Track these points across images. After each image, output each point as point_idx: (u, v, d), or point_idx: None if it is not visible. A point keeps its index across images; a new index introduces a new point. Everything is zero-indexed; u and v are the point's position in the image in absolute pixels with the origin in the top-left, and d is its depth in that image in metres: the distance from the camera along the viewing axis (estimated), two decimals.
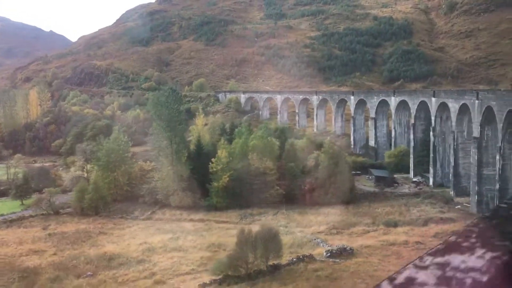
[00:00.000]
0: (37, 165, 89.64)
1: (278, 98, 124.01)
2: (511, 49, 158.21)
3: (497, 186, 50.34)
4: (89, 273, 34.77)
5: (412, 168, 78.45)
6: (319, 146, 72.04)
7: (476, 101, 56.25)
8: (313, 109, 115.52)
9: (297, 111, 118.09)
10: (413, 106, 78.09)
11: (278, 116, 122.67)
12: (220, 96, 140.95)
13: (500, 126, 49.03)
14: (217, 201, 63.38)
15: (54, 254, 42.28)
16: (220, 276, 29.88)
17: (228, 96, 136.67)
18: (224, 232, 47.83)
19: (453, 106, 64.48)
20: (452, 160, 65.38)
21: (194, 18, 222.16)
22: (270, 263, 30.04)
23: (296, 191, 65.49)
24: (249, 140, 68.02)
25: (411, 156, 79.00)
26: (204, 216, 58.93)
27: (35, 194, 70.12)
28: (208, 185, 64.53)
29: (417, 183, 73.68)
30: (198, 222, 56.11)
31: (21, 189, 69.94)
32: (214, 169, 63.23)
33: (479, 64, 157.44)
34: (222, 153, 63.51)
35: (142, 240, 44.89)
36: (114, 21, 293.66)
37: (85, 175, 73.78)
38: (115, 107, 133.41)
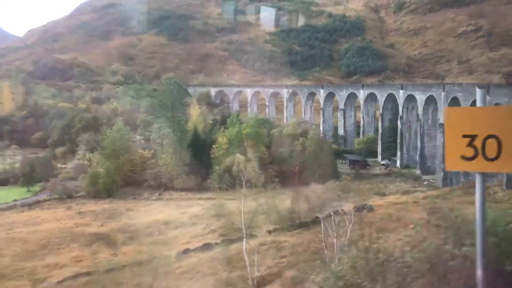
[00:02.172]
0: (31, 155, 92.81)
1: (249, 92, 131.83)
2: (454, 46, 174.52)
3: None
4: (156, 232, 41.35)
5: (380, 152, 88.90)
6: (303, 133, 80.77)
7: (443, 93, 66.89)
8: (282, 101, 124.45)
9: (267, 104, 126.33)
10: (381, 98, 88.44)
11: (248, 109, 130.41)
12: (190, 90, 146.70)
13: None
14: (218, 183, 70.69)
15: (102, 225, 48.28)
16: (280, 226, 38.19)
17: (198, 90, 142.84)
18: (239, 204, 55.42)
19: (420, 98, 75.10)
20: (418, 144, 76.09)
21: (152, 12, 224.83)
22: (315, 216, 38.36)
23: (286, 173, 73.88)
24: (242, 129, 75.61)
25: (379, 142, 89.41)
26: (211, 195, 66.01)
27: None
28: (210, 169, 71.81)
29: (386, 165, 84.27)
30: (207, 200, 63.07)
31: (28, 177, 74.11)
32: (216, 154, 70.46)
33: (426, 60, 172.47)
34: (223, 139, 70.85)
35: (174, 212, 51.73)
36: (63, 14, 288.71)
37: (87, 163, 78.63)
38: (87, 101, 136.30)
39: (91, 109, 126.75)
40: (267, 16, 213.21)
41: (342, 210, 42.80)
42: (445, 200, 45.36)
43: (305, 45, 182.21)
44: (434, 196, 49.30)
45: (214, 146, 71.58)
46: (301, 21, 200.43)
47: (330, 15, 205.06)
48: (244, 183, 30.73)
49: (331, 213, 42.77)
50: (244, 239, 25.88)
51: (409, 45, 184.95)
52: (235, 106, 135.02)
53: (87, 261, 35.03)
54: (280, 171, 74.38)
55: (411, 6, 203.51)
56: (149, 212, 54.86)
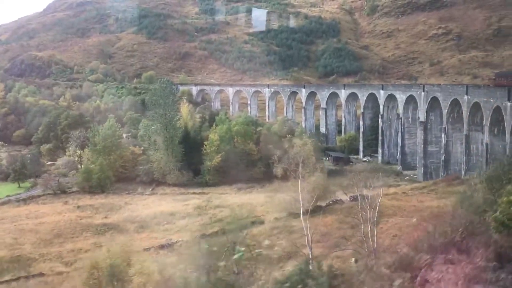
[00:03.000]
0: (14, 153, 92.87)
1: (230, 91, 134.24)
2: (426, 48, 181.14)
3: (442, 158, 65.27)
4: (165, 222, 43.47)
5: (362, 150, 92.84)
6: (290, 131, 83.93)
7: (423, 93, 71.05)
8: (263, 100, 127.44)
9: (249, 102, 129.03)
10: (363, 97, 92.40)
11: (230, 107, 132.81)
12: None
13: (445, 111, 63.74)
14: (209, 178, 73.15)
15: (105, 217, 50.07)
16: (284, 214, 41.12)
17: (180, 88, 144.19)
18: (237, 197, 58.14)
19: (400, 97, 79.24)
20: (399, 141, 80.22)
21: (130, 10, 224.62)
22: (317, 204, 41.44)
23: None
24: (232, 126, 78.19)
25: (361, 140, 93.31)
26: (203, 190, 68.44)
27: None
28: (200, 165, 74.09)
29: (368, 162, 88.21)
30: (201, 194, 65.45)
31: (19, 173, 74.78)
32: (208, 150, 72.80)
33: (400, 61, 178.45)
34: (214, 136, 73.25)
35: (176, 204, 53.93)
36: (34, 10, 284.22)
37: (77, 159, 79.75)
38: (68, 99, 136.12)
39: (72, 106, 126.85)
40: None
41: (340, 199, 46.24)
42: (432, 191, 49.09)
43: (283, 45, 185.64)
44: (420, 188, 53.07)
45: (205, 142, 73.81)
46: (278, 22, 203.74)
47: (306, 17, 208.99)
48: (300, 165, 33.21)
49: (330, 201, 46.28)
50: (301, 209, 28.46)
51: (383, 47, 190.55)
52: (216, 105, 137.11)
53: (107, 247, 36.93)
54: (269, 166, 77.33)
55: (384, 9, 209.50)
56: (148, 205, 56.90)
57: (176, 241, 34.47)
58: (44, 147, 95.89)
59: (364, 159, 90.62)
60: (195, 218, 45.32)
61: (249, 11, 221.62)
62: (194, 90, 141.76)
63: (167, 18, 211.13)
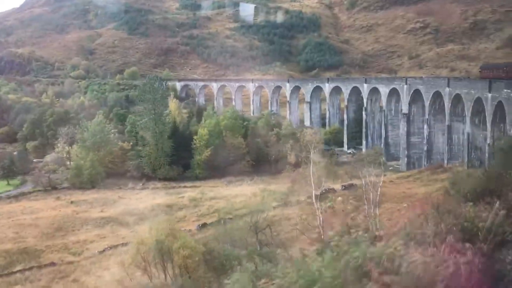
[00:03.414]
0: (0, 150, 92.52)
1: (214, 86, 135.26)
2: (405, 42, 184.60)
3: (425, 148, 67.76)
4: (163, 214, 44.68)
5: (346, 142, 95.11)
6: (276, 125, 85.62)
7: (405, 86, 73.44)
8: (248, 95, 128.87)
9: (233, 97, 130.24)
10: (346, 91, 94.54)
11: (215, 102, 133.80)
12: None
13: (427, 103, 66.18)
14: (199, 172, 74.46)
15: (102, 211, 50.98)
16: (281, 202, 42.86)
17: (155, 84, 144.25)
18: (229, 189, 59.60)
19: (384, 90, 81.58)
20: (383, 132, 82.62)
21: (109, 6, 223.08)
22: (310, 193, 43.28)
23: (263, 162, 78.49)
24: (220, 120, 79.52)
25: (345, 132, 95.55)
26: (194, 184, 69.63)
27: None
28: (189, 160, 75.33)
29: (353, 154, 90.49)
30: (193, 188, 66.65)
31: (8, 170, 74.87)
32: (198, 145, 74.02)
33: (379, 55, 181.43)
34: (203, 131, 74.47)
35: (170, 197, 55.12)
36: (11, 6, 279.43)
37: (66, 156, 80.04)
38: (50, 95, 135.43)
39: (56, 103, 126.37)
40: (226, 11, 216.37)
41: (333, 188, 48.12)
42: (417, 179, 51.35)
43: (265, 40, 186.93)
44: (405, 176, 55.33)
45: (195, 137, 74.99)
46: (260, 17, 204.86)
47: (287, 11, 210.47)
48: (312, 151, 35.06)
49: (323, 190, 48.17)
50: (313, 191, 30.00)
51: (363, 41, 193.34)
52: (201, 100, 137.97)
53: (111, 237, 38.20)
54: (257, 160, 78.99)
55: (363, 3, 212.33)
56: (142, 199, 57.90)
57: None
58: (30, 144, 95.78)
59: (349, 151, 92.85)
60: (193, 209, 46.72)
61: (230, 6, 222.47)
62: (178, 85, 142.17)
63: (148, 14, 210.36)
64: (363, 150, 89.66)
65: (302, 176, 47.30)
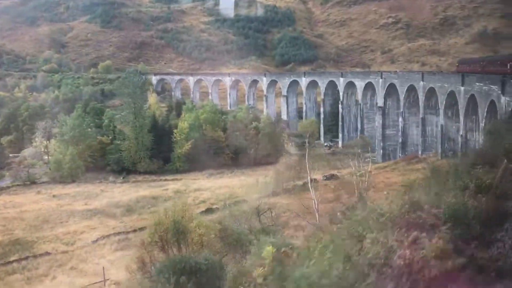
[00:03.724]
0: None
1: (191, 80, 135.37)
2: (377, 37, 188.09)
3: (400, 140, 70.12)
4: (149, 205, 45.35)
5: (323, 135, 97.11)
6: (255, 118, 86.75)
7: (381, 80, 75.61)
8: (224, 89, 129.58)
9: (210, 91, 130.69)
10: (323, 85, 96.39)
11: (191, 96, 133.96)
12: None
13: (402, 97, 68.46)
14: (180, 165, 75.12)
15: (85, 204, 51.24)
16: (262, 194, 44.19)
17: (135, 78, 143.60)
18: (211, 181, 60.58)
19: (359, 84, 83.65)
20: (359, 125, 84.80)
21: None
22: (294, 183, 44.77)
23: (242, 155, 79.66)
24: (199, 114, 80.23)
25: (322, 125, 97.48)
26: (175, 177, 70.31)
27: None
28: (169, 153, 75.89)
29: (329, 146, 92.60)
30: (174, 180, 67.35)
31: None
32: (178, 138, 74.60)
33: (353, 50, 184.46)
34: (184, 124, 75.07)
35: (154, 190, 55.70)
36: None
37: (44, 150, 79.49)
38: (23, 89, 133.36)
39: (29, 97, 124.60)
40: (200, 5, 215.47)
41: (315, 179, 49.71)
42: (394, 169, 53.41)
43: (240, 34, 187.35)
44: (382, 167, 57.41)
45: (175, 131, 75.54)
46: (235, 11, 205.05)
47: (261, 6, 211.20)
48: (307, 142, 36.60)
49: (306, 181, 49.73)
50: (309, 178, 31.14)
51: (336, 36, 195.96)
52: (177, 94, 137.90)
53: (101, 228, 38.73)
54: (236, 153, 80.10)
55: None
56: (125, 192, 58.34)
57: None
58: (5, 139, 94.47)
59: (325, 143, 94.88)
60: (178, 201, 47.41)
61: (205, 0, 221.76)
62: (154, 79, 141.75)
63: (121, 7, 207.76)
64: (340, 142, 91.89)
65: (287, 167, 48.87)
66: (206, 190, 50.96)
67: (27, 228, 40.62)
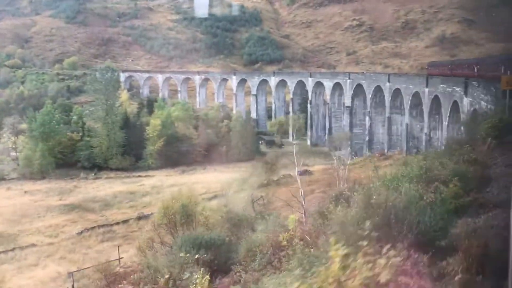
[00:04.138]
0: None
1: (160, 78, 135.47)
2: (342, 39, 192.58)
3: (366, 139, 73.15)
4: (127, 200, 46.08)
5: (292, 133, 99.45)
6: (226, 116, 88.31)
7: (348, 80, 78.51)
8: (193, 87, 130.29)
9: (179, 89, 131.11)
10: (292, 84, 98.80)
11: (160, 94, 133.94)
12: (97, 74, 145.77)
13: (369, 97, 71.51)
14: (152, 162, 75.82)
15: (60, 200, 51.42)
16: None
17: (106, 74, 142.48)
18: (185, 177, 61.69)
19: (328, 85, 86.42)
20: (327, 124, 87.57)
21: None
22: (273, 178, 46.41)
23: (214, 153, 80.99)
24: (171, 111, 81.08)
25: (290, 124, 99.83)
26: (147, 173, 70.96)
27: None
28: (141, 150, 76.49)
29: (298, 144, 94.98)
30: (147, 177, 68.03)
31: None
32: (151, 135, 75.26)
33: (319, 51, 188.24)
34: (156, 121, 75.77)
35: (131, 185, 56.36)
36: None
37: (12, 146, 78.49)
38: None
39: None
40: (167, 3, 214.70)
41: (289, 174, 51.66)
42: (363, 166, 56.03)
43: (208, 33, 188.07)
44: (352, 164, 60.00)
45: (147, 128, 76.14)
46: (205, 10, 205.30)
47: (229, 5, 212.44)
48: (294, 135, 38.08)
49: (282, 176, 51.59)
50: (296, 168, 32.69)
51: (303, 37, 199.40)
52: (145, 91, 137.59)
53: (82, 221, 39.37)
54: (208, 150, 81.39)
55: (303, 0, 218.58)
56: (99, 188, 58.77)
57: (151, 213, 37.79)
58: None
59: (294, 142, 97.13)
60: (157, 195, 48.50)
61: None
62: (122, 76, 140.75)
63: (86, 2, 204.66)
64: (308, 141, 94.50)
65: (264, 162, 50.72)
66: (182, 185, 52.05)
67: (6, 222, 40.79)
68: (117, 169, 74.58)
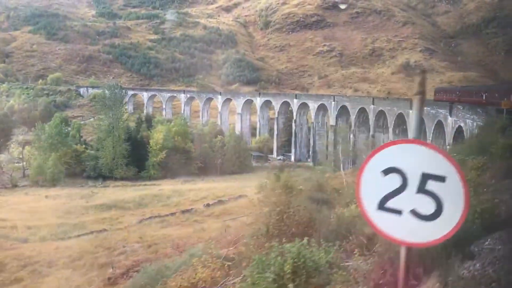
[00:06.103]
0: None
1: (145, 95, 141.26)
2: (314, 63, 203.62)
3: (351, 154, 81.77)
4: (156, 200, 52.04)
5: (276, 150, 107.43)
6: (219, 132, 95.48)
7: (333, 102, 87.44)
8: (178, 105, 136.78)
9: (164, 107, 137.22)
10: (277, 105, 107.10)
11: (144, 111, 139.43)
12: (82, 90, 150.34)
13: (353, 117, 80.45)
14: (154, 173, 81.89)
15: (87, 202, 56.67)
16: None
17: (91, 91, 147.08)
18: (190, 186, 68.16)
19: (313, 105, 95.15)
20: (311, 141, 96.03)
21: (21, 8, 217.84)
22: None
23: (210, 165, 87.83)
24: (171, 127, 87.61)
25: (275, 141, 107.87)
26: (152, 182, 76.91)
27: None
28: (143, 162, 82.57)
29: (283, 159, 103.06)
30: (152, 185, 73.88)
31: None
32: (154, 148, 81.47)
33: (292, 73, 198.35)
34: (158, 135, 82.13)
35: (150, 191, 62.31)
36: None
37: (20, 156, 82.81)
38: None
39: None
40: (144, 23, 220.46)
41: None
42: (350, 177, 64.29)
43: (186, 53, 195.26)
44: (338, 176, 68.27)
45: (151, 141, 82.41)
46: (179, 31, 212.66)
47: (205, 27, 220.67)
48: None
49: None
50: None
51: (276, 60, 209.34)
52: (130, 108, 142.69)
53: (128, 216, 45.19)
54: (204, 163, 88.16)
55: (276, 25, 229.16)
56: (116, 194, 64.09)
57: (191, 209, 44.25)
58: None
59: (279, 157, 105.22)
60: (181, 197, 54.78)
61: (149, 18, 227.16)
62: (107, 94, 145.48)
63: (65, 20, 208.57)
64: (292, 157, 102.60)
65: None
66: (198, 190, 58.63)
67: (55, 217, 46.03)
68: (122, 179, 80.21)
